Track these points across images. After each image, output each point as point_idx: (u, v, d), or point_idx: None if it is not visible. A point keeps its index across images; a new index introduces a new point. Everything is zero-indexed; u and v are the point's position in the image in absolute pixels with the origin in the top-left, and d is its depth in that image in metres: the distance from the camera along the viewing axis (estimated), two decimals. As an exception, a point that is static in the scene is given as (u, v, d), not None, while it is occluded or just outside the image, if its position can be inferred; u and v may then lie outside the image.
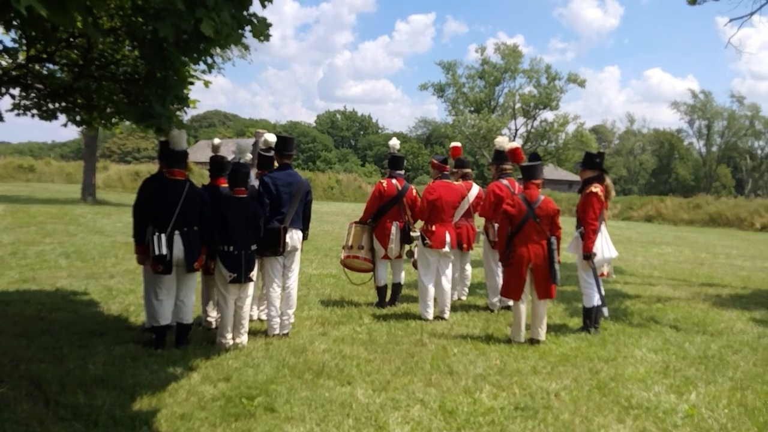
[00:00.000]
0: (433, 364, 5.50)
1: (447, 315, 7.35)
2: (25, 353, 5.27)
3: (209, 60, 5.41)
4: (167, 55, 5.97)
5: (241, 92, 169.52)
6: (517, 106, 47.57)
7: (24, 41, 6.33)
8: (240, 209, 5.80)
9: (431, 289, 7.24)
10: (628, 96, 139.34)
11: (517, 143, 7.19)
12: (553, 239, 6.34)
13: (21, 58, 6.48)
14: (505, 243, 6.38)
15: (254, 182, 6.36)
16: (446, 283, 7.37)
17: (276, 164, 6.61)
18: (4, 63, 6.60)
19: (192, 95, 7.03)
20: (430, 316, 7.22)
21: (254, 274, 5.94)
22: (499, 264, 7.78)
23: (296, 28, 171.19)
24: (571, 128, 46.37)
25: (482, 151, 44.86)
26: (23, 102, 7.07)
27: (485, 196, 7.91)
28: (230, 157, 6.67)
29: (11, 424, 3.81)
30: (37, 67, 6.68)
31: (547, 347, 6.23)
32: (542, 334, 6.42)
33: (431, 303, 7.24)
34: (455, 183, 7.94)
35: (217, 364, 5.27)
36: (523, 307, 6.37)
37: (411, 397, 4.69)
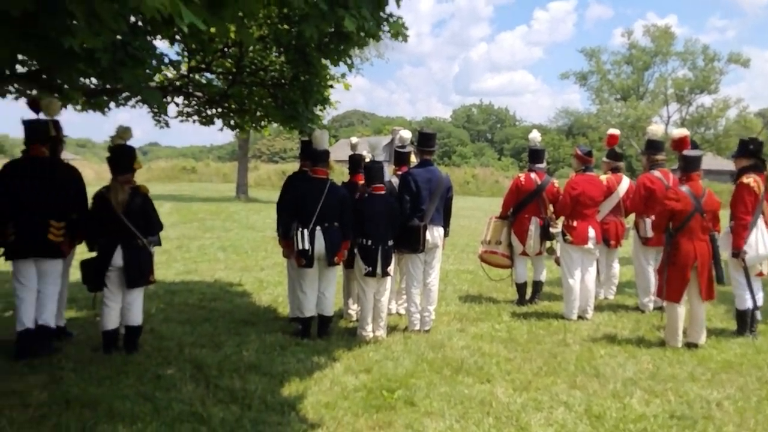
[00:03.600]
0: (578, 366, 5.26)
1: (590, 315, 7.01)
2: (189, 339, 5.77)
3: (348, 60, 5.59)
4: (310, 59, 6.27)
5: (379, 91, 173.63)
6: (670, 91, 44.17)
7: (186, 53, 6.93)
8: (378, 205, 5.92)
9: (576, 288, 6.93)
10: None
11: (686, 131, 6.49)
12: (716, 235, 5.83)
13: (183, 69, 7.09)
14: (666, 241, 5.93)
15: (390, 179, 6.45)
16: (590, 281, 7.02)
17: (415, 160, 6.67)
18: (169, 74, 7.27)
19: (333, 97, 7.32)
20: (574, 316, 6.91)
21: (391, 268, 6.04)
22: (651, 262, 7.29)
23: (432, 24, 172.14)
24: (732, 113, 42.26)
25: (630, 140, 42.21)
26: (186, 109, 7.75)
27: (635, 189, 7.41)
28: (366, 154, 6.84)
29: (177, 403, 4.18)
30: (196, 76, 7.29)
31: (707, 352, 5.72)
32: (702, 338, 5.91)
33: (576, 302, 6.93)
34: (601, 176, 7.53)
35: (358, 355, 5.42)
36: (681, 310, 5.89)
37: (554, 398, 4.52)
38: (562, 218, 7.24)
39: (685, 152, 6.08)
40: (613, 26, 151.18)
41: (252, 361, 5.11)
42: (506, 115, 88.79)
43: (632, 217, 7.66)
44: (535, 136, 7.79)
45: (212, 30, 4.93)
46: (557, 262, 7.45)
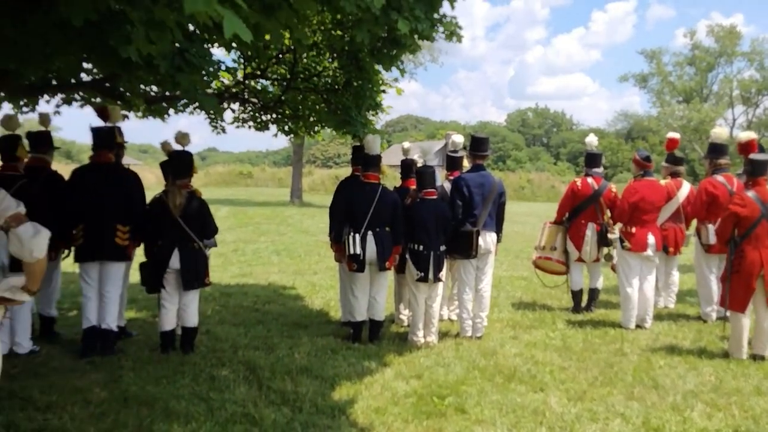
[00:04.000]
0: (636, 377, 5.09)
1: (648, 324, 6.77)
2: (243, 341, 5.87)
3: (401, 65, 5.60)
4: (362, 64, 6.31)
5: (433, 96, 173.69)
6: (735, 93, 42.51)
7: (242, 60, 7.09)
8: (430, 210, 5.89)
9: (634, 296, 6.71)
10: None
11: (753, 134, 6.15)
12: None
13: (239, 75, 7.26)
14: (730, 248, 5.67)
15: (441, 183, 6.40)
16: (649, 290, 6.78)
17: (467, 164, 6.61)
18: (226, 81, 7.45)
19: (385, 102, 7.35)
20: (632, 325, 6.69)
21: (443, 274, 5.99)
22: (713, 270, 7.02)
23: (486, 28, 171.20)
24: (804, 115, 40.28)
25: (693, 144, 40.74)
26: (241, 115, 7.92)
27: (697, 194, 7.12)
28: (418, 159, 6.83)
29: (231, 404, 4.25)
30: (252, 83, 7.45)
31: (775, 366, 5.44)
32: (769, 350, 5.63)
33: (634, 311, 6.71)
34: (660, 181, 7.27)
35: (409, 361, 5.39)
36: (746, 320, 5.62)
37: (610, 409, 4.38)
38: (619, 224, 7.02)
39: (752, 156, 5.79)
40: (675, 27, 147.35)
41: (304, 364, 5.16)
42: (562, 118, 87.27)
43: (694, 223, 7.38)
44: (592, 139, 7.60)
45: (267, 37, 5.02)
46: (613, 269, 7.23)
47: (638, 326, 6.73)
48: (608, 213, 7.29)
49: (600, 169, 7.53)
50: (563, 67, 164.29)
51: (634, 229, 6.66)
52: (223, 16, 1.74)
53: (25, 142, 5.50)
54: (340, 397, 4.50)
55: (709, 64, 43.46)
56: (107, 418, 3.99)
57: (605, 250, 7.33)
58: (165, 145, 5.62)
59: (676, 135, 7.79)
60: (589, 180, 7.34)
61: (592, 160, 7.49)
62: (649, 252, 6.67)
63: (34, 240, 2.71)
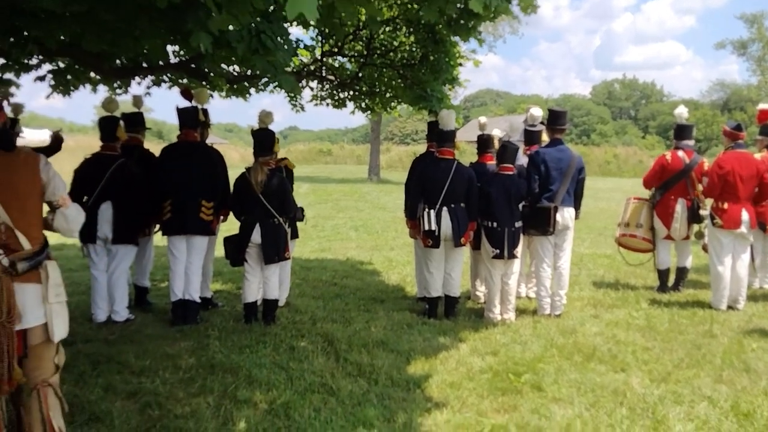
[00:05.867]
0: (725, 359, 4.84)
1: (742, 305, 6.40)
2: (321, 313, 6.03)
3: (479, 35, 5.48)
4: (439, 37, 6.22)
5: (513, 69, 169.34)
6: None
7: (320, 38, 7.17)
8: (504, 186, 5.79)
9: (726, 276, 6.35)
10: None
11: None
12: None
13: (317, 53, 7.35)
14: None
15: (521, 160, 6.26)
16: (742, 269, 6.40)
17: (546, 139, 6.43)
18: (305, 59, 7.56)
19: (463, 75, 7.24)
20: (723, 306, 6.35)
21: (519, 250, 5.89)
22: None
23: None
24: None
25: (797, 114, 37.75)
26: (319, 93, 8.03)
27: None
28: (500, 135, 6.70)
29: (309, 374, 4.40)
30: (329, 60, 7.52)
31: None
32: None
33: (725, 291, 6.36)
34: (756, 155, 6.80)
35: (485, 337, 5.37)
36: None
37: (696, 392, 4.20)
38: (710, 200, 6.65)
39: None
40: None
41: (380, 338, 5.24)
42: (652, 89, 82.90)
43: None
44: (682, 111, 7.18)
45: (343, 15, 5.05)
46: (705, 249, 6.86)
47: (730, 307, 6.39)
48: (700, 188, 6.91)
49: (691, 142, 7.12)
50: (654, 34, 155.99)
51: (726, 205, 6.28)
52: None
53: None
54: (415, 371, 4.55)
55: (819, 27, 39.93)
56: (195, 383, 4.23)
57: (695, 227, 6.97)
58: (259, 123, 5.68)
59: (765, 106, 7.25)
60: (680, 153, 6.96)
61: (683, 132, 7.09)
62: (743, 229, 6.28)
63: (77, 220, 3.08)
